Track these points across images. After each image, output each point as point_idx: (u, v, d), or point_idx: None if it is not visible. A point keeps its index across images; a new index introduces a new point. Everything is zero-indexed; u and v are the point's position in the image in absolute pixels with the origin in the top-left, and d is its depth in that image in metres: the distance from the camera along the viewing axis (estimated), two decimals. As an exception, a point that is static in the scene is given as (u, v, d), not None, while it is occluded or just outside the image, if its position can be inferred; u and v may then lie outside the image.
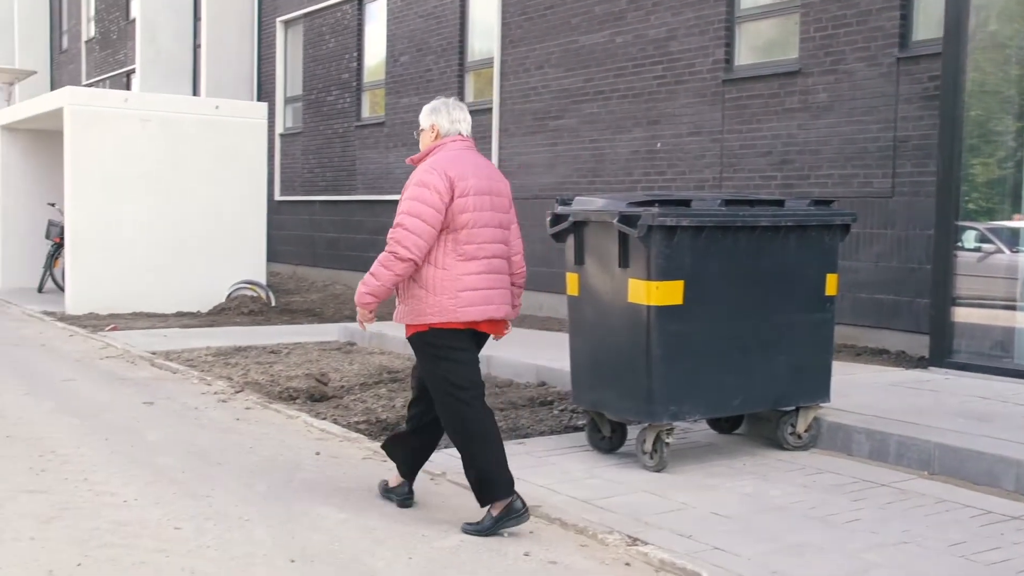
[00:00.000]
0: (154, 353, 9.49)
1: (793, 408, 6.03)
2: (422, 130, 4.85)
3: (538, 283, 12.48)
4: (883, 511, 4.89)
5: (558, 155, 12.36)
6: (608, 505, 4.94)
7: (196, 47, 22.43)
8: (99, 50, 28.47)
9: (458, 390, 4.55)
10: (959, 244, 7.95)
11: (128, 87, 25.34)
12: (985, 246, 8.07)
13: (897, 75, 8.72)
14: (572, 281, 5.91)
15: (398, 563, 4.08)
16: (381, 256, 4.50)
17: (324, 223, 17.11)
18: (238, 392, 7.71)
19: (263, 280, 13.90)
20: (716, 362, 5.63)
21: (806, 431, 6.06)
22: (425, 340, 4.57)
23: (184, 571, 3.92)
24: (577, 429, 6.55)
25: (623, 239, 5.42)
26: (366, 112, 16.66)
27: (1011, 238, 7.88)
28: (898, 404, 6.54)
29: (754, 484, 5.36)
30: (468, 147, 4.76)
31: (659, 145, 10.95)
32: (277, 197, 18.55)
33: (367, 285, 4.51)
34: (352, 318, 10.91)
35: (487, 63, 13.74)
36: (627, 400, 5.60)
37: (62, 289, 13.80)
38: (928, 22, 8.65)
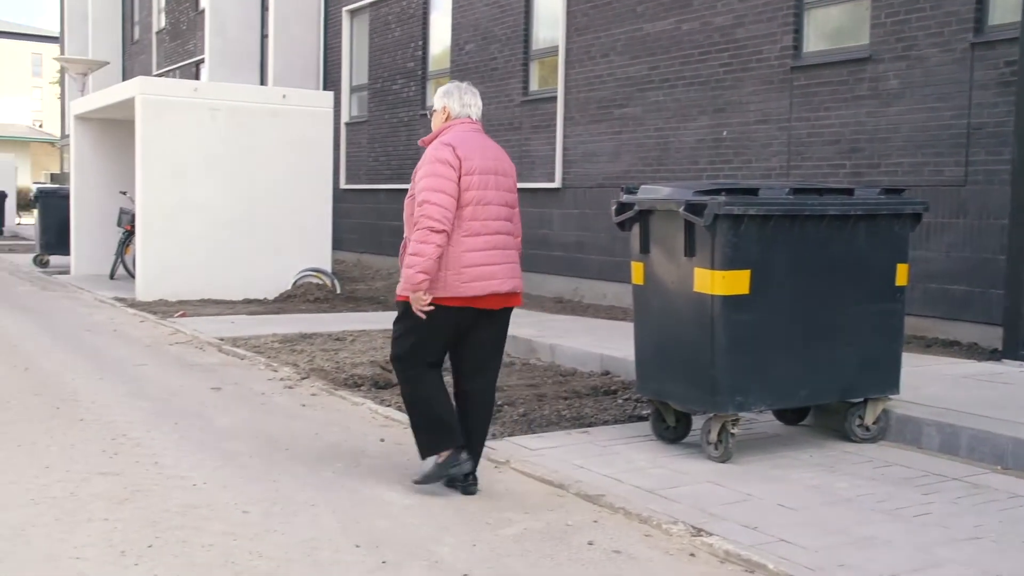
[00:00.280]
0: (222, 339, 9.63)
1: (861, 400, 5.95)
2: (435, 111, 5.09)
3: (602, 272, 12.47)
4: (954, 505, 4.80)
5: (622, 144, 12.30)
6: (672, 495, 4.91)
7: (263, 37, 22.66)
8: (169, 41, 28.91)
9: (417, 361, 4.85)
10: (1034, 234, 7.77)
11: (197, 77, 25.69)
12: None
13: (971, 60, 8.53)
14: (637, 270, 5.88)
15: (462, 550, 4.10)
16: (416, 236, 4.65)
17: (388, 211, 17.21)
18: (304, 379, 7.79)
19: (328, 268, 14.02)
20: (783, 352, 5.56)
21: (874, 423, 5.97)
22: (405, 309, 4.80)
23: (251, 554, 3.97)
24: (641, 419, 6.52)
25: (689, 228, 5.38)
26: (431, 100, 16.69)
27: (1089, 228, 7.68)
28: (970, 397, 6.42)
29: (821, 476, 5.29)
30: (476, 129, 4.98)
31: (725, 133, 10.84)
32: (342, 185, 18.71)
33: (414, 267, 4.62)
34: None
35: (552, 51, 13.70)
36: (692, 390, 5.57)
37: (133, 276, 14.05)
38: (1004, 5, 8.45)
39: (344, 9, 19.28)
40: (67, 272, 16.48)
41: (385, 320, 11.15)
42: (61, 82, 42.43)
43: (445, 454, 4.81)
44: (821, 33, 10.12)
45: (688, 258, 5.44)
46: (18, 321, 10.89)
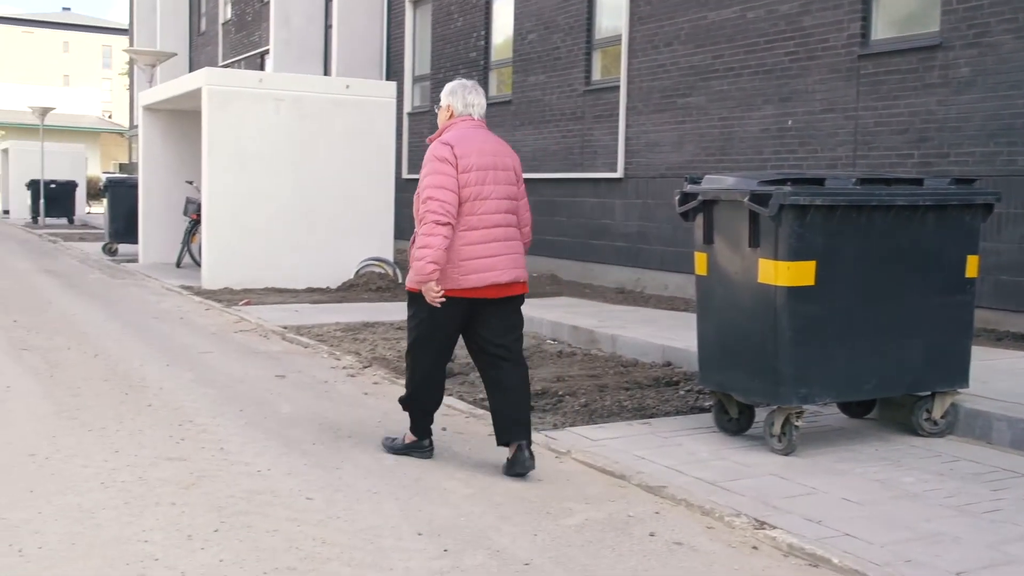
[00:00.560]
0: (285, 328, 9.74)
1: (929, 393, 5.85)
2: (440, 108, 5.30)
3: (664, 262, 12.39)
4: (1025, 502, 4.71)
5: (685, 133, 12.21)
6: (735, 487, 4.87)
7: (327, 28, 22.84)
8: (235, 32, 29.25)
9: (422, 350, 5.18)
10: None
11: (262, 68, 25.97)
12: None
13: (1045, 48, 8.33)
14: (700, 261, 5.84)
15: (523, 539, 4.10)
16: (422, 230, 4.93)
17: (450, 201, 17.21)
18: (366, 367, 7.85)
19: (391, 257, 14.09)
20: (848, 344, 5.49)
21: (942, 417, 5.87)
22: (418, 300, 5.09)
23: (315, 541, 4.01)
24: (703, 410, 6.48)
25: (754, 218, 5.33)
26: (493, 91, 16.71)
27: None
28: (1042, 391, 6.28)
29: (886, 470, 5.22)
30: (477, 126, 5.19)
31: (790, 123, 10.71)
32: (405, 175, 18.79)
33: (424, 258, 4.89)
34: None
35: (615, 40, 13.63)
36: (756, 382, 5.51)
37: (199, 264, 14.26)
38: (1081, -8, 8.24)
39: (407, -1, 19.37)
40: (135, 260, 16.77)
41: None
42: (130, 73, 43.17)
43: (414, 439, 5.36)
44: (890, 20, 9.95)
45: (752, 249, 5.38)
46: (88, 309, 11.10)
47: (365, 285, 13.15)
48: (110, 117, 72.21)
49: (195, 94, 13.62)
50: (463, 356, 8.15)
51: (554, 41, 14.82)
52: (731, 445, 5.69)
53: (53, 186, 29.46)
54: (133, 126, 37.42)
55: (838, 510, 4.55)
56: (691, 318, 6.19)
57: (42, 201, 28.85)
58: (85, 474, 4.85)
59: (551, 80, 14.76)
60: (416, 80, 19.36)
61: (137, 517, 4.25)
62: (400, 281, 13.59)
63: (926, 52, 9.31)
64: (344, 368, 7.84)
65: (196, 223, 15.11)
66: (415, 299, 5.12)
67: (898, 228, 5.57)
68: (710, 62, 11.79)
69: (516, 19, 15.78)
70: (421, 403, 5.32)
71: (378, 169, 13.98)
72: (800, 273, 5.28)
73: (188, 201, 15.65)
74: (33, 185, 29.72)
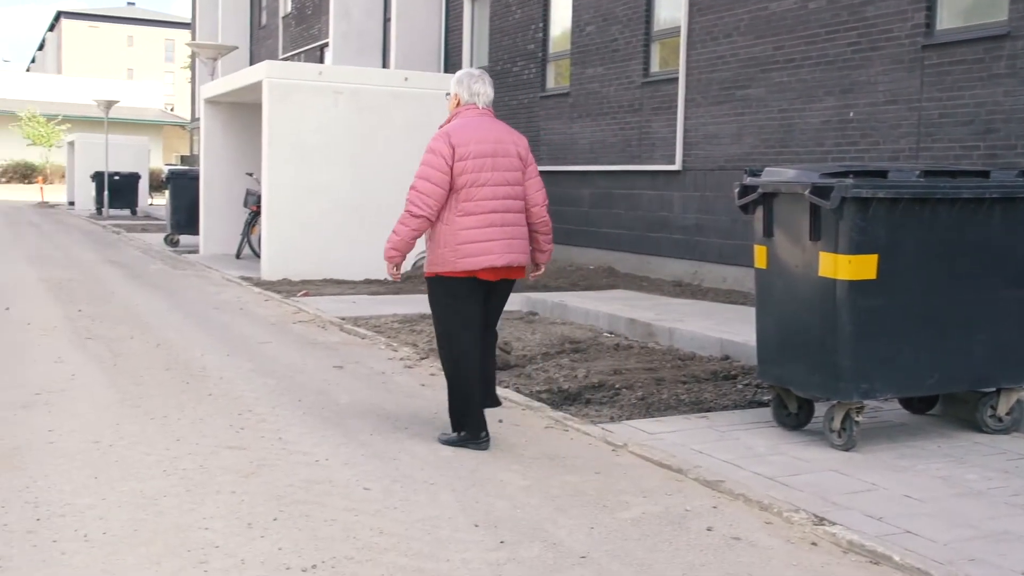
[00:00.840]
0: (343, 319, 9.81)
1: (994, 389, 5.75)
2: (449, 96, 5.50)
3: (722, 255, 12.29)
4: (1093, 502, 4.60)
5: (744, 125, 12.09)
6: (793, 483, 4.82)
7: (386, 21, 22.94)
8: (295, 25, 29.50)
9: (450, 333, 5.32)
10: None
11: (322, 61, 26.16)
12: None
13: (1117, 37, 8.13)
14: (760, 254, 5.78)
15: (580, 532, 4.10)
16: (401, 216, 5.24)
17: (507, 194, 17.23)
18: (423, 359, 7.88)
19: (448, 249, 14.11)
20: (911, 339, 5.41)
21: (1008, 414, 5.77)
22: (431, 285, 5.40)
23: (372, 531, 4.04)
24: (762, 404, 6.42)
25: (815, 211, 5.26)
26: (551, 83, 16.69)
27: None
28: (1111, 389, 6.13)
29: (949, 467, 5.13)
30: (481, 114, 5.37)
31: (852, 115, 10.56)
32: (462, 168, 18.80)
33: (389, 242, 5.29)
34: (535, 288, 11.00)
35: (673, 32, 13.53)
36: (815, 376, 5.45)
37: (258, 256, 14.41)
38: None
39: (465, -8, 19.38)
40: (196, 251, 17.01)
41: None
42: (192, 67, 43.72)
43: (465, 433, 5.32)
44: (955, 10, 9.76)
45: (813, 242, 5.32)
46: (150, 299, 11.28)
47: (422, 277, 13.15)
48: (172, 110, 73.23)
49: (256, 87, 13.75)
50: (519, 348, 8.17)
51: (612, 33, 14.75)
52: (790, 440, 5.64)
53: (117, 178, 29.93)
54: (195, 119, 37.88)
55: (899, 507, 4.49)
56: (749, 312, 6.13)
57: (106, 193, 29.31)
58: (147, 461, 4.93)
59: (609, 72, 14.69)
60: (474, 72, 19.36)
61: (198, 504, 4.31)
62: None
63: (993, 42, 9.12)
64: (401, 359, 7.88)
65: (256, 215, 15.26)
66: (430, 288, 5.41)
67: (963, 221, 5.48)
68: (770, 53, 11.66)
69: (574, 11, 15.73)
70: (463, 391, 5.27)
71: (436, 161, 13.99)
72: (862, 267, 5.21)
73: (248, 193, 15.82)
74: (97, 177, 30.23)
